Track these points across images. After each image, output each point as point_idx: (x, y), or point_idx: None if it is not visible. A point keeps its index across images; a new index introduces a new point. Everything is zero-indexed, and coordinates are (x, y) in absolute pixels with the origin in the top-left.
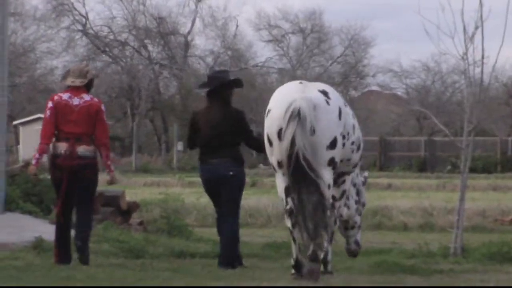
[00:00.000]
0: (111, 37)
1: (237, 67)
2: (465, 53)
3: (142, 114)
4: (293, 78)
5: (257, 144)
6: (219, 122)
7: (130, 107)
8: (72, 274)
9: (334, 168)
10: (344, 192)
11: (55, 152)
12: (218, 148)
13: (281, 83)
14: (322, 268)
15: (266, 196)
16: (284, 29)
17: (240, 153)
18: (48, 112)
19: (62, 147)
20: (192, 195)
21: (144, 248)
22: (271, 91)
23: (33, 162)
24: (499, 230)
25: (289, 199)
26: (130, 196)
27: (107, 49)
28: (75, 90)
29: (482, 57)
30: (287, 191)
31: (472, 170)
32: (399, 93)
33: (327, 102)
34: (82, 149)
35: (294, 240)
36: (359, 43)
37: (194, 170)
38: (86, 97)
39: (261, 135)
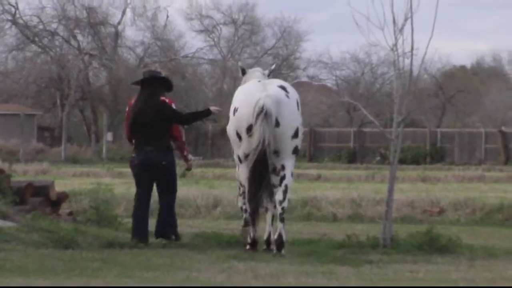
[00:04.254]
0: (41, 27)
1: (167, 57)
2: (395, 45)
3: (71, 104)
4: (224, 69)
5: (185, 118)
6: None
7: (60, 97)
8: (1, 264)
9: (297, 156)
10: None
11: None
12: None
13: (212, 73)
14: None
15: (195, 187)
16: (216, 20)
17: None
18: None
19: None
20: (121, 186)
21: (74, 239)
22: (201, 81)
23: None
24: (428, 221)
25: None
26: (60, 186)
27: (36, 39)
28: None
29: (412, 49)
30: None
31: (401, 161)
32: (329, 84)
33: (287, 96)
34: None
35: (248, 222)
36: (292, 36)
37: (124, 161)
38: None
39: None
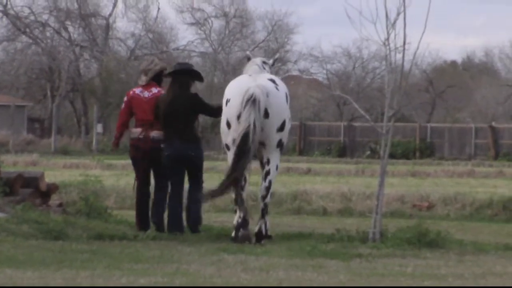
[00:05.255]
0: (32, 18)
1: (158, 50)
2: (387, 39)
3: (62, 96)
4: (215, 62)
5: (215, 110)
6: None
7: (50, 89)
8: None
9: (281, 150)
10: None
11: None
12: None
13: (203, 66)
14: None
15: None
16: (207, 13)
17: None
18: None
19: (138, 132)
20: (111, 178)
21: (63, 230)
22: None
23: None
24: (417, 215)
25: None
26: (49, 177)
27: (27, 30)
28: (147, 84)
29: (404, 44)
30: None
31: (391, 155)
32: (319, 78)
33: (277, 89)
34: (155, 134)
35: (237, 203)
36: (283, 29)
37: (113, 153)
38: (154, 90)
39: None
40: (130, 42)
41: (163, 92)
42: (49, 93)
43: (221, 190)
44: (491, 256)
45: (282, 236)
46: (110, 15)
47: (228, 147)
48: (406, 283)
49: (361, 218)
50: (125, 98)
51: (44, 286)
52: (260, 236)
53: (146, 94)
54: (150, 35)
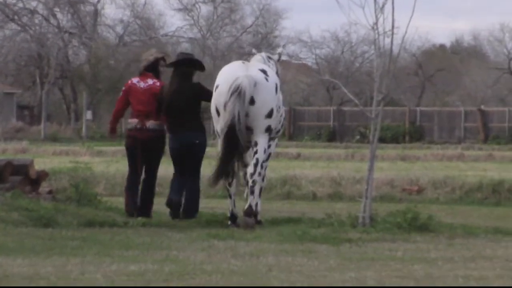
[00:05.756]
0: (20, 5)
1: (146, 36)
2: (375, 23)
3: (51, 82)
4: (204, 47)
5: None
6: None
7: (39, 76)
8: None
9: (270, 135)
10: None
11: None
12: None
13: (191, 52)
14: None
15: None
16: None
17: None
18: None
19: (134, 122)
20: (101, 164)
21: (53, 217)
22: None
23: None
24: (407, 199)
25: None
26: (39, 165)
27: (16, 17)
28: (144, 75)
29: (392, 28)
30: None
31: (381, 140)
32: (308, 63)
33: (266, 79)
34: (150, 124)
35: (230, 196)
36: (271, 14)
37: (103, 139)
38: (150, 81)
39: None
40: (119, 29)
41: (158, 83)
42: (38, 80)
43: (215, 178)
44: (481, 240)
45: (272, 222)
46: (98, 1)
47: (218, 134)
48: (396, 267)
49: (351, 203)
50: (124, 87)
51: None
52: (249, 213)
53: (142, 84)
54: (139, 22)
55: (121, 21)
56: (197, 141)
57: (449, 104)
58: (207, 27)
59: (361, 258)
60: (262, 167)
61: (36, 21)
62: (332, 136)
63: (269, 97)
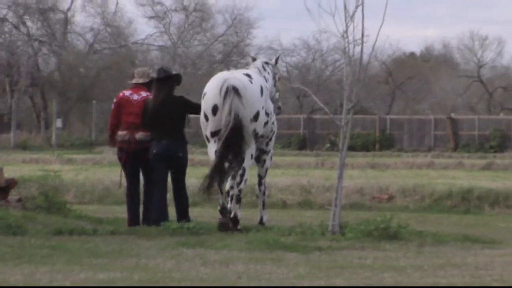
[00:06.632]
0: None
1: (117, 44)
2: (345, 32)
3: (21, 90)
4: (174, 55)
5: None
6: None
7: (9, 84)
8: None
9: (256, 139)
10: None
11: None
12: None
13: (162, 60)
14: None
15: None
16: (167, 6)
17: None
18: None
19: (124, 134)
20: (71, 172)
21: (23, 225)
22: (151, 67)
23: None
24: (377, 207)
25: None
26: (8, 173)
27: None
28: (136, 88)
29: (362, 36)
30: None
31: (351, 148)
32: None
33: (251, 82)
34: (140, 135)
35: (221, 192)
36: (243, 23)
37: (73, 147)
38: (144, 93)
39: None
40: (89, 36)
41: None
42: (8, 88)
43: (208, 184)
44: (450, 247)
45: (242, 229)
46: (68, 9)
47: (208, 139)
48: (365, 275)
49: (321, 211)
50: (115, 100)
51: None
52: (236, 222)
53: (136, 97)
54: (109, 29)
55: (91, 29)
56: (180, 154)
57: (419, 112)
58: (178, 35)
59: (330, 266)
60: (246, 176)
61: (6, 29)
62: (303, 144)
63: (255, 99)
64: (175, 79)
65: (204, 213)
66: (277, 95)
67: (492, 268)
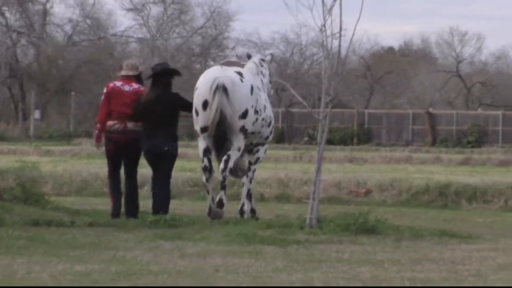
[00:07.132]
0: None
1: (96, 35)
2: (323, 26)
3: None
4: (153, 48)
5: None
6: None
7: None
8: None
9: (244, 135)
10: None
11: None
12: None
13: (140, 52)
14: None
15: None
16: None
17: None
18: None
19: (116, 124)
20: (48, 164)
21: (0, 216)
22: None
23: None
24: (354, 201)
25: (205, 158)
26: None
27: None
28: (127, 79)
29: (340, 30)
30: (205, 152)
31: (329, 142)
32: None
33: (241, 80)
34: (131, 126)
35: (208, 192)
36: (221, 16)
37: (51, 139)
38: (135, 85)
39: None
40: (68, 28)
41: (142, 88)
42: None
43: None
44: (427, 242)
45: (220, 222)
46: (47, 0)
47: (198, 133)
48: (343, 269)
49: (298, 204)
50: (105, 90)
51: None
52: (221, 205)
53: (127, 87)
54: (88, 21)
55: (70, 20)
56: (166, 148)
57: (398, 106)
58: (156, 27)
59: (308, 260)
60: (233, 164)
61: None
62: (281, 138)
63: (244, 97)
64: (173, 74)
65: (182, 206)
66: (272, 91)
67: (469, 263)
